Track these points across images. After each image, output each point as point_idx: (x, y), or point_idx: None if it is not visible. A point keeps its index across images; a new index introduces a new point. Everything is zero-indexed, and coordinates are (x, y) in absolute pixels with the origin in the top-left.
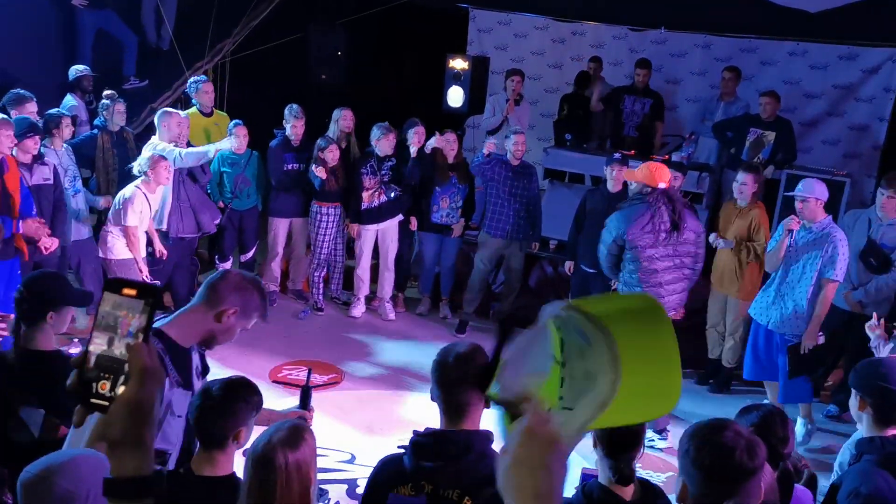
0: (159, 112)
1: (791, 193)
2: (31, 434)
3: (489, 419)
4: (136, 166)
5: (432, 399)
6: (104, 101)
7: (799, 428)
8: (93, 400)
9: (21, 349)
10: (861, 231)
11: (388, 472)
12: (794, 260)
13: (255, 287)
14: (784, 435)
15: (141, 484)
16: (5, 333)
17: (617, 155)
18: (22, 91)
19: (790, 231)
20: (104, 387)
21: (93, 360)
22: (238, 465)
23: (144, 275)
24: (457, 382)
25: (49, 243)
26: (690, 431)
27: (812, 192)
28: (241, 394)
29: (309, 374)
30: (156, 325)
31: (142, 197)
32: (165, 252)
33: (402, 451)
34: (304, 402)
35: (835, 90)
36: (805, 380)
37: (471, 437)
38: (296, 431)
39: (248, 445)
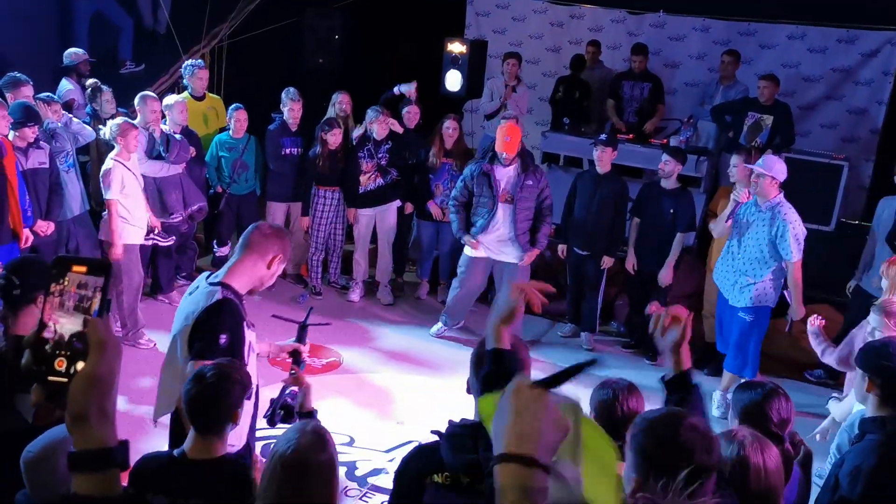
0: (139, 95)
1: (751, 166)
2: (24, 421)
3: None
4: (107, 132)
5: (470, 390)
6: (88, 90)
7: (717, 399)
8: (51, 378)
9: (11, 335)
10: (889, 217)
11: (422, 460)
12: (743, 235)
13: (287, 233)
14: (787, 415)
15: (107, 455)
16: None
17: (602, 136)
18: (18, 74)
19: (736, 202)
20: (61, 364)
21: (48, 337)
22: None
23: (116, 255)
24: None
25: (45, 227)
26: (643, 426)
27: (770, 170)
28: (233, 376)
29: (309, 312)
30: (215, 277)
31: (119, 168)
32: (158, 224)
33: (437, 438)
34: (301, 338)
35: (833, 73)
36: (754, 355)
37: None
38: (320, 433)
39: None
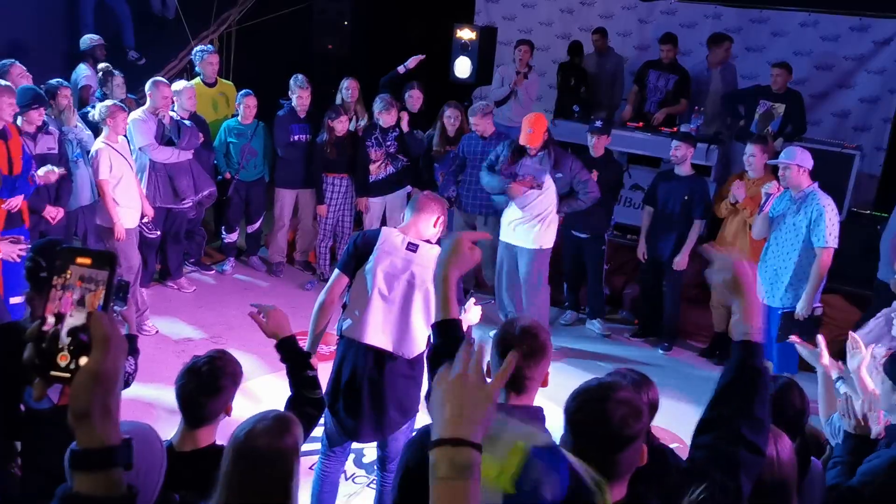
0: (150, 80)
1: (774, 161)
2: (50, 401)
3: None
4: (96, 114)
5: (490, 369)
6: (100, 74)
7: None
8: (53, 373)
9: (38, 317)
10: None
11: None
12: (781, 230)
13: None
14: (802, 407)
15: (109, 454)
16: (23, 254)
17: (598, 123)
18: (4, 60)
19: (768, 195)
20: (64, 359)
21: (50, 331)
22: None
23: (118, 235)
24: (521, 356)
25: (54, 213)
26: (575, 390)
27: (793, 159)
28: (227, 369)
29: None
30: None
31: (108, 150)
32: (151, 213)
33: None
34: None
35: (846, 62)
36: (794, 351)
37: (528, 412)
38: (282, 421)
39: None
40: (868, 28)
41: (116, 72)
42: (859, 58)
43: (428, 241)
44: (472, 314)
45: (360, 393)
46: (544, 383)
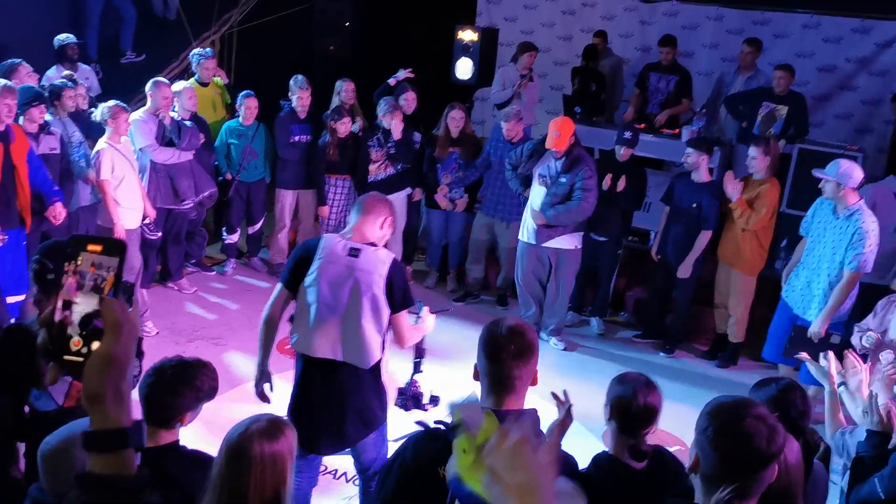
0: (151, 80)
1: (817, 173)
2: (55, 403)
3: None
4: (98, 114)
5: (478, 372)
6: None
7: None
8: (66, 357)
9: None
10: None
11: (431, 450)
12: (820, 243)
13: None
14: (804, 408)
15: (122, 435)
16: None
17: (627, 135)
18: (11, 60)
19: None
20: (77, 343)
21: (63, 317)
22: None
23: (118, 236)
24: (508, 356)
25: (56, 213)
26: (710, 410)
27: (833, 175)
28: (194, 377)
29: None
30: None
31: (110, 150)
32: (153, 214)
33: (442, 427)
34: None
35: (848, 64)
36: None
37: (521, 415)
38: (275, 424)
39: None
40: (870, 30)
41: (81, 81)
42: (861, 60)
43: (373, 244)
44: (427, 322)
45: (315, 406)
46: (534, 382)
